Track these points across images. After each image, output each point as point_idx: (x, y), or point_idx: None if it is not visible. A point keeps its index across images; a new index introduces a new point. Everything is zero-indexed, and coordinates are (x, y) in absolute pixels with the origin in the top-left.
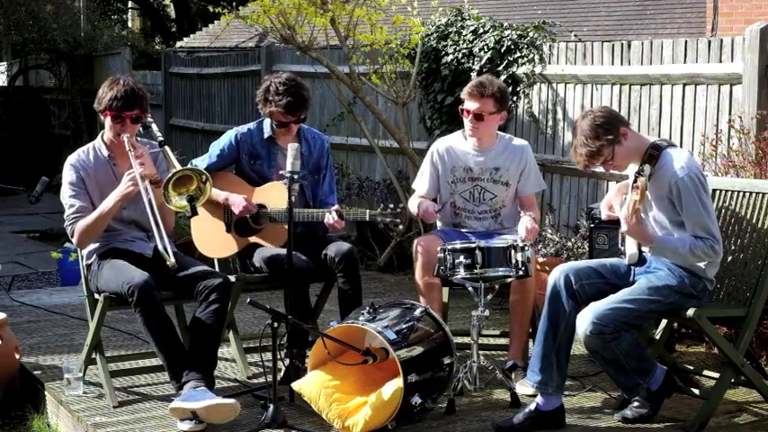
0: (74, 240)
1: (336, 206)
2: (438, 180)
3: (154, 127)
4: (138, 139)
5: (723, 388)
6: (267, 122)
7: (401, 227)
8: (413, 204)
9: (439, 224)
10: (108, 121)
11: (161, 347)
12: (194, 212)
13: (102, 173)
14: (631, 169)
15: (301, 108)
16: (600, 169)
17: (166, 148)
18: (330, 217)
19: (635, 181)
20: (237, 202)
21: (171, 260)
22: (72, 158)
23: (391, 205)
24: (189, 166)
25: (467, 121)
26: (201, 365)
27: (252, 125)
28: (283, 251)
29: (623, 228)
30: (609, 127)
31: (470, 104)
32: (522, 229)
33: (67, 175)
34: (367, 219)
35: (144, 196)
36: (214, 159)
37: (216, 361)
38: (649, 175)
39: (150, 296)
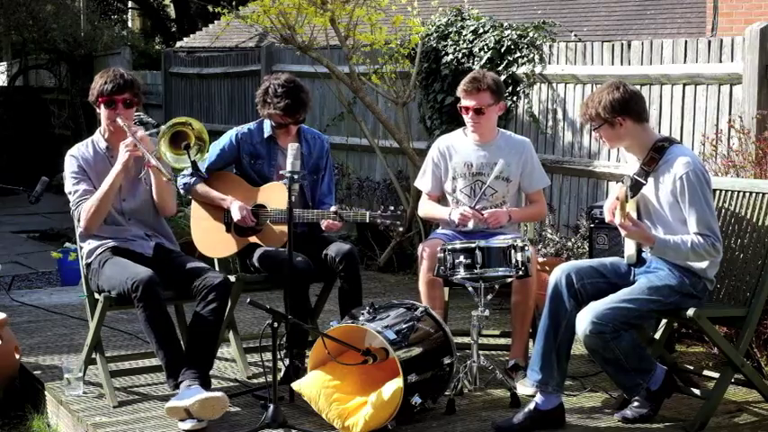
0: (81, 224)
1: (335, 207)
2: (441, 178)
3: (151, 120)
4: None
5: (723, 388)
6: (267, 122)
7: (401, 228)
8: (426, 208)
9: (441, 226)
10: (102, 110)
11: (160, 345)
12: (196, 167)
13: (100, 165)
14: (631, 169)
15: (300, 110)
16: (600, 169)
17: (162, 126)
18: (326, 220)
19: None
20: (237, 211)
21: (166, 174)
22: (72, 150)
23: (391, 207)
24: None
25: (467, 118)
26: (198, 365)
27: (252, 125)
28: (283, 251)
29: (622, 233)
30: (611, 108)
31: (468, 101)
32: (489, 211)
33: (69, 165)
34: (367, 221)
35: (147, 154)
36: (214, 159)
37: (213, 361)
38: (646, 175)
39: (154, 292)
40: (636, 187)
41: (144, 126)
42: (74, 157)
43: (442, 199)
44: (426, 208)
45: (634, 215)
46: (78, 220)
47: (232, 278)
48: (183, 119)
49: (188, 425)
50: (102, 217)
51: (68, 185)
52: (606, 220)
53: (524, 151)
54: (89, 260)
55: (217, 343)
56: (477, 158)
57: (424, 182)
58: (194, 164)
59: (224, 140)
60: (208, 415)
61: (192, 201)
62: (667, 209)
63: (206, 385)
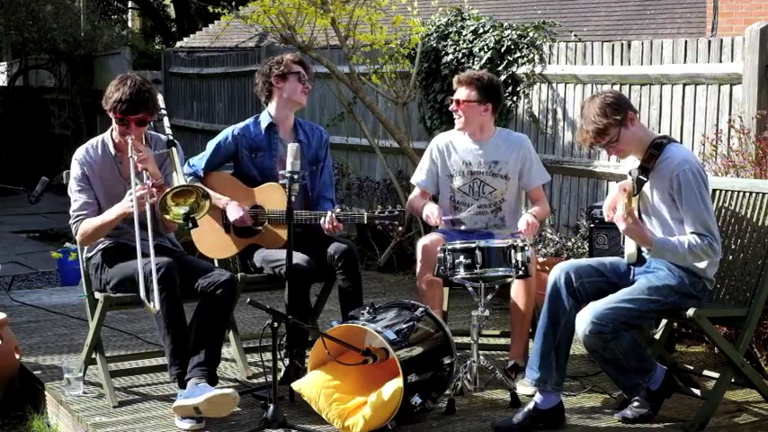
0: (77, 239)
1: (338, 209)
2: (437, 175)
3: (165, 120)
4: (152, 134)
5: (723, 388)
6: (264, 115)
7: (400, 228)
8: (414, 200)
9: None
10: (114, 123)
11: (168, 330)
12: (194, 225)
13: (107, 170)
14: (630, 168)
15: (310, 70)
16: (600, 169)
17: (173, 150)
18: (327, 220)
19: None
20: (235, 212)
21: (154, 309)
22: (79, 153)
23: (389, 207)
24: (189, 181)
25: (452, 111)
26: (205, 362)
27: (248, 121)
28: (283, 251)
29: (621, 227)
30: (617, 107)
31: (455, 94)
32: (522, 223)
33: (73, 170)
34: (365, 221)
35: (148, 215)
36: (209, 155)
37: (219, 358)
38: (646, 172)
39: (173, 278)
40: (639, 183)
41: (159, 122)
42: (78, 162)
43: (435, 196)
44: (412, 203)
45: (635, 213)
46: (75, 234)
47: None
48: (203, 188)
49: (186, 425)
50: (98, 239)
51: (71, 190)
52: (606, 219)
53: (522, 148)
54: (90, 254)
55: (222, 340)
56: (474, 157)
57: (419, 177)
58: (193, 220)
59: (220, 137)
60: (217, 413)
61: None
62: (665, 208)
63: (213, 382)
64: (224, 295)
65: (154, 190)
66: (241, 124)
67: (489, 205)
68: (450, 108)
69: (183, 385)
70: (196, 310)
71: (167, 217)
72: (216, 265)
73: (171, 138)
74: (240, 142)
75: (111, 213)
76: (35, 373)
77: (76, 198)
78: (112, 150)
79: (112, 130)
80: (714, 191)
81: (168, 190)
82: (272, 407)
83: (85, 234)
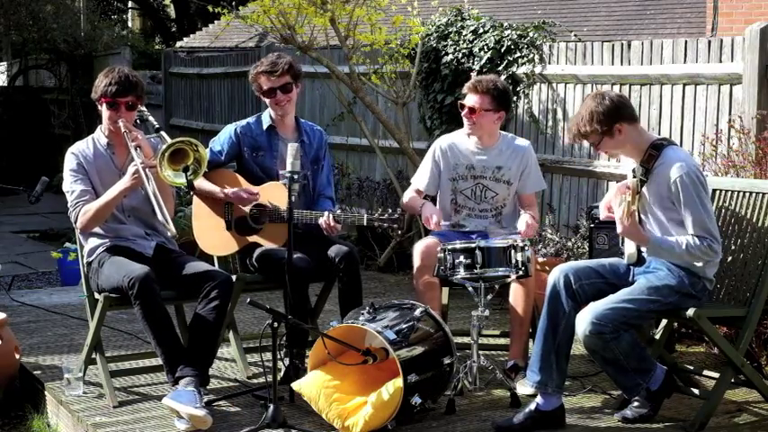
0: (77, 225)
1: (338, 211)
2: (439, 177)
3: (151, 119)
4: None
5: (723, 388)
6: (266, 114)
7: (399, 231)
8: (411, 199)
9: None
10: (104, 109)
11: (159, 341)
12: (191, 186)
13: (101, 161)
14: (629, 168)
15: (285, 71)
16: (600, 169)
17: (163, 133)
18: (324, 221)
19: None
20: (238, 195)
21: (172, 230)
22: (73, 147)
23: (389, 210)
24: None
25: (463, 117)
26: (198, 362)
27: (251, 119)
28: (281, 250)
29: (618, 228)
30: (605, 118)
31: (467, 99)
32: (521, 224)
33: (68, 162)
34: (365, 223)
35: (147, 187)
36: (214, 155)
37: (212, 359)
38: (646, 173)
39: (150, 289)
40: (641, 181)
41: (145, 123)
42: (74, 155)
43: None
44: (409, 201)
45: (636, 215)
46: (75, 221)
47: (232, 278)
48: (192, 140)
49: (183, 425)
50: (100, 223)
51: (66, 184)
52: (602, 217)
53: (525, 155)
54: (90, 259)
55: (218, 341)
56: (478, 161)
57: (419, 178)
58: (190, 182)
59: (223, 136)
60: (196, 426)
61: (194, 197)
62: (662, 210)
63: (204, 383)
64: (218, 296)
65: (154, 161)
66: (243, 122)
67: (490, 209)
68: (462, 114)
69: (177, 382)
70: (195, 309)
71: (169, 183)
72: (216, 262)
73: (158, 126)
74: (243, 140)
75: (113, 191)
76: (35, 373)
77: (74, 189)
78: (104, 142)
79: (100, 127)
80: (714, 191)
81: (162, 150)
82: (272, 407)
83: (87, 215)
